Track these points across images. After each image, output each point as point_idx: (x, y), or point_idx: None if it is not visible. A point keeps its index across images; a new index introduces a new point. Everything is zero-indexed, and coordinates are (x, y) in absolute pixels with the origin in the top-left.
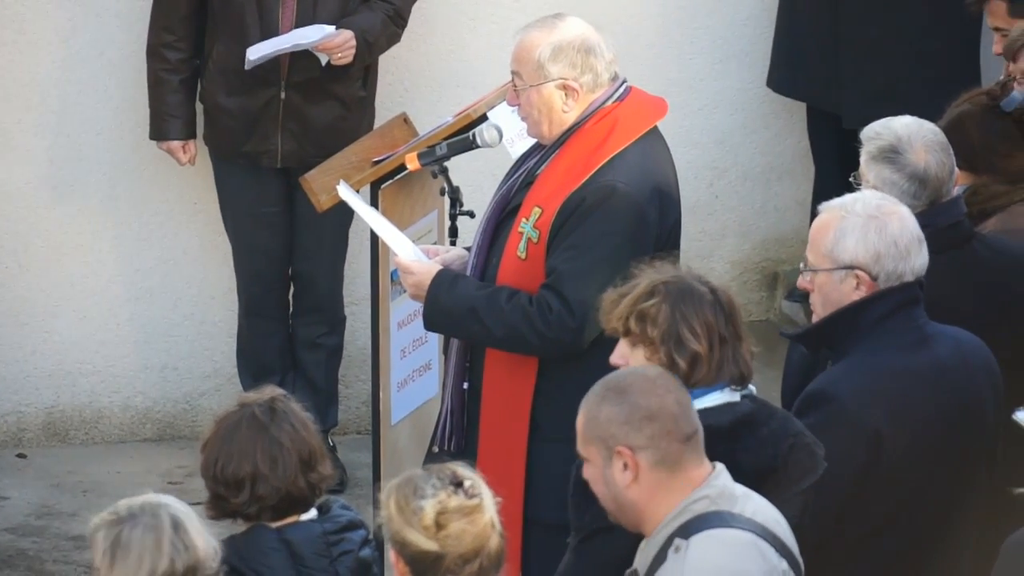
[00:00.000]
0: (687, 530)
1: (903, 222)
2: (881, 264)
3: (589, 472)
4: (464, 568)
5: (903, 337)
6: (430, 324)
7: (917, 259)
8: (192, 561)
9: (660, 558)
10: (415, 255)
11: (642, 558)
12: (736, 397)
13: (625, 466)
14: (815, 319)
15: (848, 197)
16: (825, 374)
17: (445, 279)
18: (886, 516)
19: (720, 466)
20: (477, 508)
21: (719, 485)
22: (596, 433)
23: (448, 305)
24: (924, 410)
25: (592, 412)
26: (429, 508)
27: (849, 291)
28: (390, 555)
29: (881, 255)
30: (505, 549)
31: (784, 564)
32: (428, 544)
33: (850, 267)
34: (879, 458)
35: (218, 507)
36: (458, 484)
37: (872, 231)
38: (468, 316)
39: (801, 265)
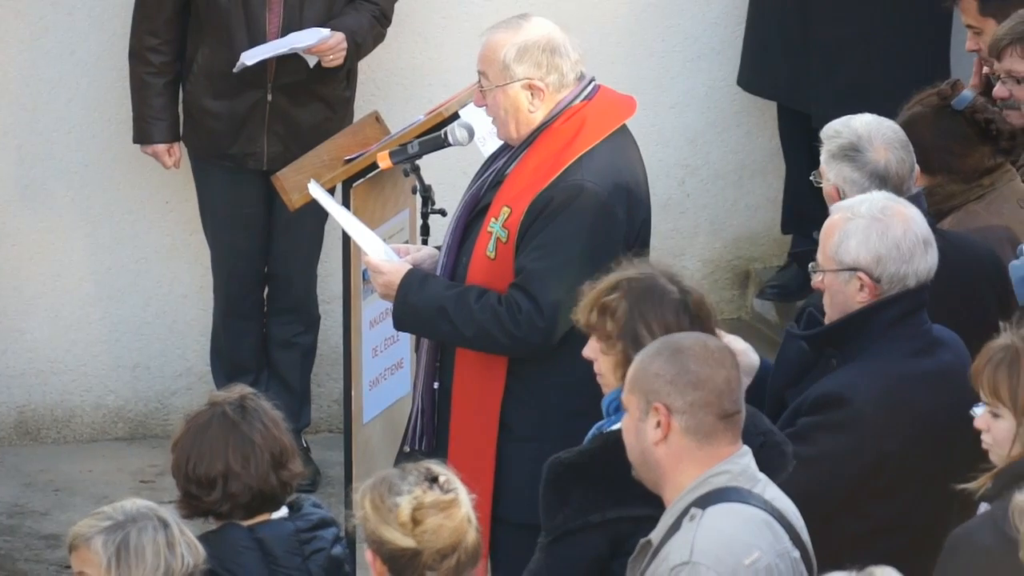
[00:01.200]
0: (705, 501)
1: (907, 225)
2: (883, 267)
3: (625, 421)
4: (442, 563)
5: (912, 343)
6: (400, 324)
7: (922, 262)
8: (196, 560)
9: (675, 526)
10: (386, 254)
11: (659, 528)
12: None
13: (658, 424)
14: (826, 319)
15: (857, 198)
16: (838, 377)
17: (415, 279)
18: (887, 519)
19: (746, 448)
20: (453, 503)
21: (743, 464)
22: (640, 384)
23: (417, 305)
24: (929, 415)
25: (644, 363)
26: (405, 504)
27: (853, 293)
28: (367, 555)
29: (883, 258)
30: (481, 544)
31: (796, 553)
32: (405, 541)
33: (853, 269)
34: (885, 462)
35: (190, 506)
36: (433, 479)
37: (874, 234)
38: (437, 316)
39: (811, 265)
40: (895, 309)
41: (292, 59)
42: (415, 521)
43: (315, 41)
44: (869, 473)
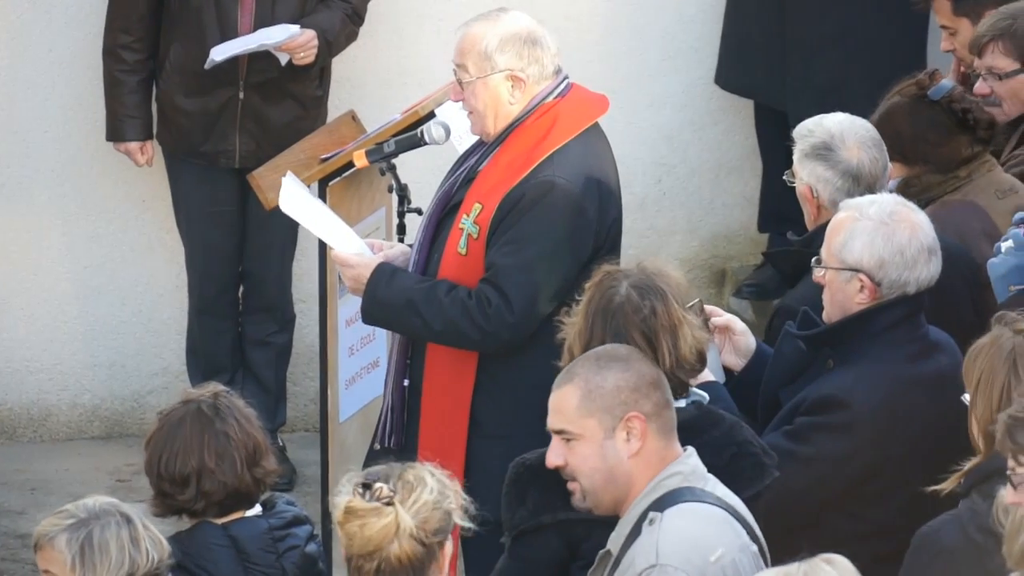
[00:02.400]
0: (661, 504)
1: (914, 231)
2: (885, 271)
3: (579, 450)
4: (364, 566)
5: (910, 347)
6: (368, 317)
7: (924, 270)
8: (161, 555)
9: (635, 532)
10: (361, 249)
11: (616, 537)
12: (680, 404)
13: (629, 435)
14: (825, 315)
15: (868, 198)
16: (837, 379)
17: (384, 272)
18: (879, 522)
19: (691, 449)
20: (373, 512)
21: (692, 464)
22: (601, 403)
23: (387, 298)
24: (926, 420)
25: (594, 382)
26: (340, 507)
27: (853, 293)
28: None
29: (886, 262)
30: (424, 557)
31: (755, 547)
32: (341, 538)
33: (855, 270)
34: (881, 466)
35: (163, 504)
36: (366, 487)
37: (880, 237)
38: (406, 309)
39: (813, 260)
40: (893, 314)
41: (264, 57)
42: (340, 524)
43: (284, 38)
44: (864, 477)
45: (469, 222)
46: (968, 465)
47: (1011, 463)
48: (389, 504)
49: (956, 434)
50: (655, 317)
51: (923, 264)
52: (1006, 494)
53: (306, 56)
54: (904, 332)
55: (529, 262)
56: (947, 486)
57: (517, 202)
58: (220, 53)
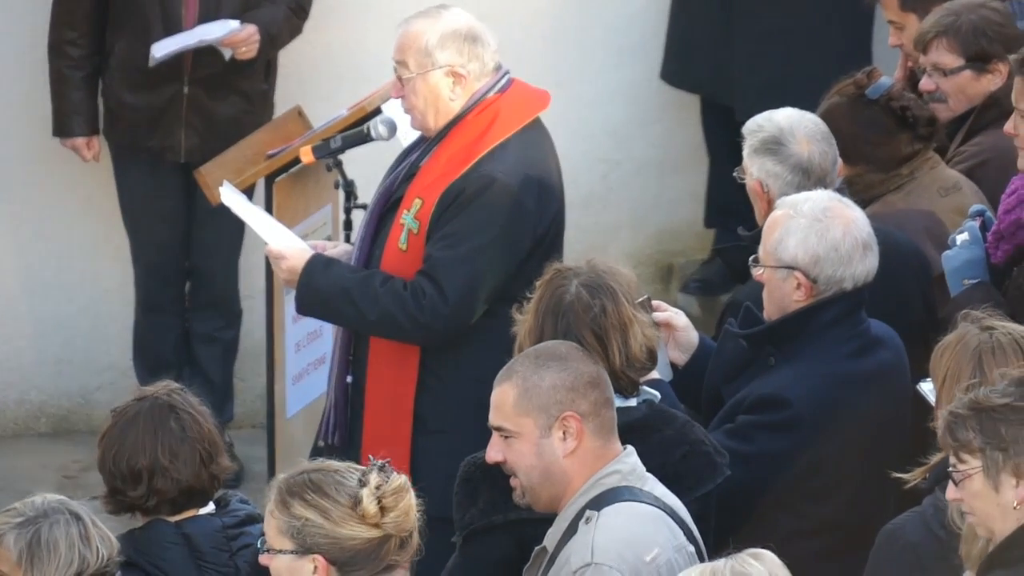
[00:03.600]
0: (598, 503)
1: (848, 227)
2: (820, 268)
3: (516, 447)
4: (403, 549)
5: (850, 343)
6: (302, 307)
7: (860, 266)
8: (110, 552)
9: (571, 530)
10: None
11: (552, 534)
12: (631, 403)
13: (565, 434)
14: (765, 313)
15: (802, 195)
16: (778, 378)
17: (319, 262)
18: (822, 518)
19: (631, 448)
20: (405, 486)
21: (631, 463)
22: (537, 402)
23: (321, 287)
24: (867, 416)
25: (531, 381)
26: (367, 497)
27: (791, 291)
28: (307, 565)
29: (820, 259)
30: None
31: (692, 548)
32: (371, 532)
33: (790, 267)
34: (822, 463)
35: (115, 501)
36: (380, 468)
37: (814, 234)
38: (341, 298)
39: (751, 259)
40: (832, 311)
41: (209, 52)
42: (384, 509)
43: (224, 33)
44: (806, 474)
45: (410, 218)
46: (933, 460)
47: (952, 459)
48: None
49: (897, 428)
50: (605, 316)
51: (858, 260)
52: (948, 491)
53: (248, 51)
54: (844, 329)
55: (466, 255)
56: (912, 478)
57: (457, 196)
58: (160, 50)
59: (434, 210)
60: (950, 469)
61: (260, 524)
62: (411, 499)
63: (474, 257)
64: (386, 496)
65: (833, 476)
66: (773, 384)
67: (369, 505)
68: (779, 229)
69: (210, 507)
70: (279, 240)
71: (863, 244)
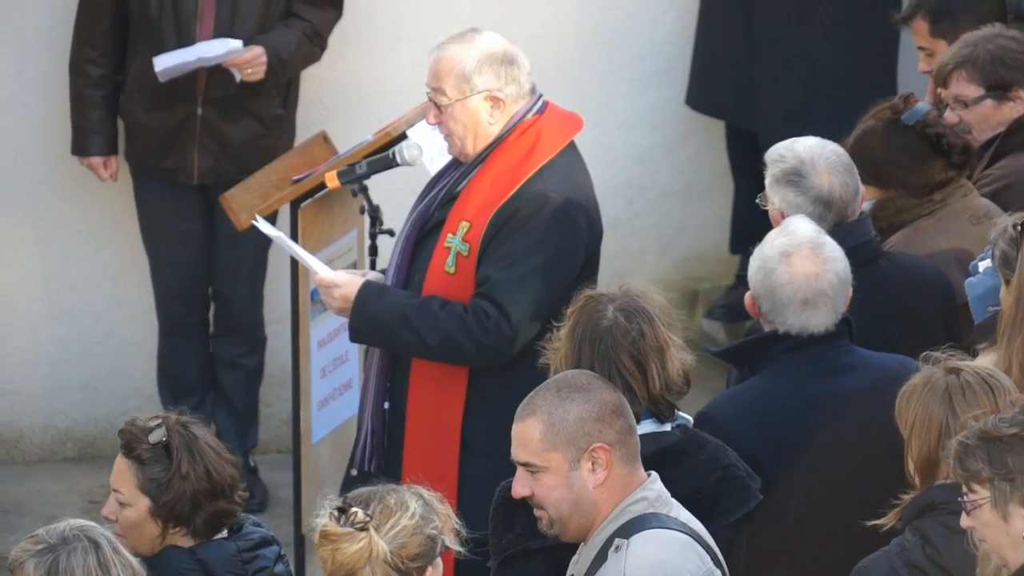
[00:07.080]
0: (627, 530)
1: (794, 278)
2: (761, 302)
3: (544, 481)
4: None
5: (806, 368)
6: (357, 335)
7: (795, 319)
8: None
9: (600, 559)
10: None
11: (580, 563)
12: (666, 427)
13: (594, 465)
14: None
15: (795, 225)
16: (718, 395)
17: (372, 289)
18: (774, 546)
19: (655, 474)
20: (344, 537)
21: (656, 489)
22: (564, 436)
23: (378, 314)
24: (814, 439)
25: (556, 415)
26: (317, 529)
27: (751, 306)
28: None
29: (760, 296)
30: None
31: (719, 573)
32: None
33: (750, 290)
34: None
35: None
36: (342, 511)
37: (762, 271)
38: (399, 324)
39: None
40: (795, 338)
41: (222, 73)
42: (316, 547)
43: (224, 52)
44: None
45: (457, 240)
46: (905, 500)
47: (964, 489)
48: (363, 529)
49: (861, 457)
50: (643, 340)
51: (793, 313)
52: (961, 519)
53: (254, 72)
54: (807, 354)
55: (525, 275)
56: (886, 521)
57: (511, 217)
58: (161, 64)
59: (486, 231)
60: (961, 499)
61: (275, 547)
62: (339, 553)
63: (533, 277)
64: (321, 537)
65: (779, 500)
66: (712, 400)
67: (315, 536)
68: (758, 247)
69: (223, 531)
70: (327, 269)
71: (803, 300)
